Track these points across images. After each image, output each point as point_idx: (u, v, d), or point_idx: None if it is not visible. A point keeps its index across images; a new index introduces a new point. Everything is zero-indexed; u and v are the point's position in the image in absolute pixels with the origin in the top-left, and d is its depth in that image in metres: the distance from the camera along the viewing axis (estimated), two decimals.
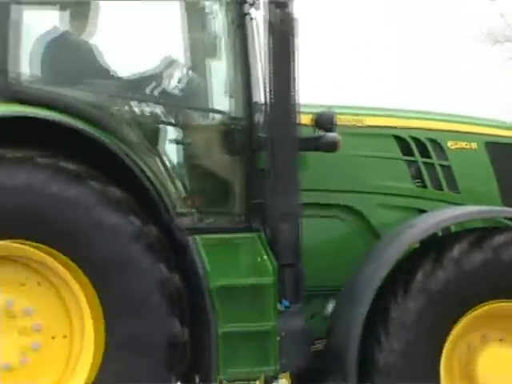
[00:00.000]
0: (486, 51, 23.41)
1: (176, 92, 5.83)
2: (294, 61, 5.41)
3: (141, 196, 5.19)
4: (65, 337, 5.21)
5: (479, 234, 5.45)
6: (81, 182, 5.00)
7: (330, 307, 5.76)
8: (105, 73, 5.66)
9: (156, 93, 5.74)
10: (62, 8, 5.70)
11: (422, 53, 24.76)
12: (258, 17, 5.49)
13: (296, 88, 5.42)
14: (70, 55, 5.64)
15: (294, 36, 5.42)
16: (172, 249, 5.20)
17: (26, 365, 5.09)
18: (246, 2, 5.49)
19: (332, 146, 5.56)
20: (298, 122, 5.47)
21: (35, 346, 5.12)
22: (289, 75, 5.42)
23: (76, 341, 5.20)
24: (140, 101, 5.68)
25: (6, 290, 5.10)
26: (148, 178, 5.25)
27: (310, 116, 5.68)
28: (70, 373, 5.18)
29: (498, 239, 5.40)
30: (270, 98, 5.44)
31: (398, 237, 5.54)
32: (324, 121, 5.70)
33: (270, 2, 5.37)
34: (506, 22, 23.61)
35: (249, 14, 5.51)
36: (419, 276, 5.29)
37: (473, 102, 18.89)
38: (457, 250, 5.34)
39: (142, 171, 5.23)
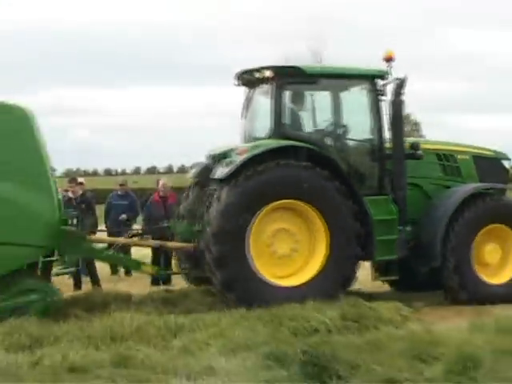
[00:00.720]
0: None
1: (350, 134, 11.98)
2: (402, 120, 11.93)
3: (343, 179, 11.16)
4: (309, 248, 11.09)
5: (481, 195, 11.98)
6: (317, 174, 10.94)
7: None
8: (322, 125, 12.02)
9: (344, 135, 11.94)
10: None
11: None
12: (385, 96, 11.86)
13: (403, 132, 12.00)
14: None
15: (402, 108, 11.89)
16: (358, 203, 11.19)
17: (290, 256, 11.04)
18: (380, 92, 11.74)
19: (419, 157, 12.00)
20: (404, 146, 11.86)
21: (295, 249, 11.06)
22: (401, 126, 11.88)
23: (314, 251, 11.07)
24: (340, 138, 11.89)
25: (292, 222, 11.03)
26: (344, 168, 11.33)
27: (410, 143, 12.12)
28: (306, 266, 11.04)
29: (490, 197, 11.99)
30: (394, 136, 11.79)
31: (455, 193, 11.96)
32: (415, 145, 12.09)
33: (393, 92, 11.70)
34: None
35: (381, 95, 11.76)
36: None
37: None
38: (479, 200, 11.82)
39: (341, 168, 11.26)
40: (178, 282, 12.79)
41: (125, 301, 10.93)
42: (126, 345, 8.17)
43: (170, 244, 11.87)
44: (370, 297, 11.42)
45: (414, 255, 11.70)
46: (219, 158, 11.47)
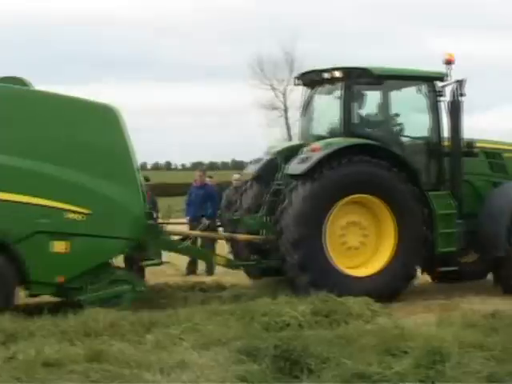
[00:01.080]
0: None
1: (411, 132, 12.85)
2: (460, 120, 12.54)
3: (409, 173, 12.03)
4: (376, 241, 11.94)
5: None
6: (387, 169, 11.79)
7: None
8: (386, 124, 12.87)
9: (406, 133, 12.85)
10: None
11: None
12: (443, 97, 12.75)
13: (461, 130, 12.62)
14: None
15: (461, 109, 12.57)
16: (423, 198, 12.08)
17: (358, 249, 11.92)
18: (439, 93, 12.57)
19: (475, 155, 12.84)
20: (461, 145, 12.61)
21: (364, 241, 11.90)
22: (458, 125, 12.59)
23: (381, 244, 11.92)
24: (402, 137, 12.79)
25: (362, 216, 11.95)
26: (410, 165, 12.12)
27: (466, 142, 12.66)
28: (373, 258, 11.90)
29: None
30: (452, 135, 12.64)
31: (510, 187, 12.76)
32: (470, 144, 12.68)
33: (452, 93, 12.54)
34: None
35: (440, 95, 12.58)
36: None
37: None
38: None
39: (409, 164, 12.11)
40: (152, 278, 12.83)
41: None
42: (100, 340, 8.21)
43: (240, 236, 12.42)
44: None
45: (475, 247, 12.68)
46: (285, 155, 12.51)
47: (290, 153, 12.46)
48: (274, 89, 61.26)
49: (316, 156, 11.58)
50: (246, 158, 56.86)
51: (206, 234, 13.26)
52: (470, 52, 76.51)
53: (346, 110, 12.22)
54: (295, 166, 11.80)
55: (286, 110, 61.65)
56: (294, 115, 61.46)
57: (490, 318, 9.17)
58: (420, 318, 9.89)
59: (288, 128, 61.68)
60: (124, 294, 10.67)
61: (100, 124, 10.83)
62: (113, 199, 10.63)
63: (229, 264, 12.55)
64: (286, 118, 61.79)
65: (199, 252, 13.32)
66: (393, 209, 11.83)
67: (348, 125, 12.23)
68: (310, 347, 7.32)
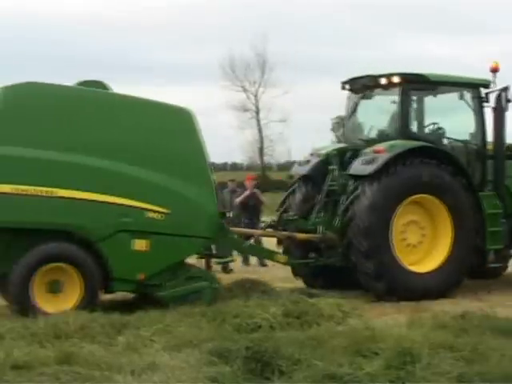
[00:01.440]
0: None
1: (459, 136, 13.59)
2: (504, 125, 13.27)
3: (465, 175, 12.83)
4: (432, 239, 12.70)
5: None
6: (446, 171, 12.56)
7: None
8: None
9: (455, 136, 13.64)
10: None
11: None
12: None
13: (505, 136, 13.39)
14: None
15: (505, 115, 13.20)
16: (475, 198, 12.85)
17: (416, 246, 12.67)
18: (484, 99, 13.29)
19: None
20: (505, 148, 13.43)
21: (421, 239, 12.64)
22: (503, 130, 13.32)
23: (438, 242, 12.65)
24: (452, 139, 13.63)
25: (419, 215, 12.72)
26: (464, 167, 12.93)
27: (508, 146, 13.54)
28: (430, 255, 12.65)
29: None
30: (496, 139, 13.35)
31: None
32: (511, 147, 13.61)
33: (496, 99, 13.19)
34: None
35: (485, 101, 13.27)
36: None
37: None
38: None
39: (463, 166, 12.95)
40: None
41: None
42: (71, 342, 8.17)
43: (299, 235, 12.85)
44: (312, 294, 11.61)
45: None
46: (334, 157, 13.14)
47: (338, 155, 13.16)
48: (245, 90, 61.47)
49: (384, 157, 12.20)
50: (216, 160, 56.89)
51: (266, 232, 13.59)
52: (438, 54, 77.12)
53: (404, 114, 12.92)
54: (360, 167, 12.41)
55: (257, 112, 61.83)
56: (266, 117, 61.77)
57: (459, 319, 9.23)
58: (391, 319, 9.95)
59: (260, 130, 61.92)
60: (202, 290, 11.07)
61: (178, 126, 11.31)
62: (190, 199, 11.10)
63: (289, 262, 12.99)
64: (258, 120, 61.98)
65: (262, 251, 13.69)
66: (450, 209, 12.56)
67: (405, 128, 12.94)
68: (282, 349, 7.33)
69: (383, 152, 12.30)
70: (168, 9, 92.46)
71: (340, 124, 31.10)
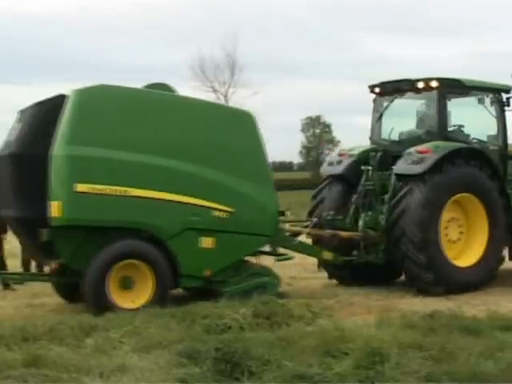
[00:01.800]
0: None
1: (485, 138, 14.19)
2: None
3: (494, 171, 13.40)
4: (469, 235, 13.29)
5: None
6: (485, 171, 13.17)
7: None
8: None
9: (480, 138, 14.11)
10: None
11: None
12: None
13: None
14: None
15: None
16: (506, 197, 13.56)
17: (456, 242, 13.22)
18: (505, 103, 13.96)
19: None
20: None
21: (460, 236, 13.32)
22: None
23: (475, 238, 13.24)
24: (479, 141, 14.09)
25: (458, 213, 13.27)
26: (497, 167, 13.51)
27: None
28: (467, 251, 13.23)
29: None
30: None
31: None
32: None
33: None
34: None
35: (506, 105, 13.90)
36: None
37: None
38: None
39: (498, 167, 13.62)
40: None
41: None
42: (39, 344, 8.10)
43: (342, 233, 13.24)
44: (281, 294, 11.63)
45: None
46: (365, 157, 13.69)
47: (367, 155, 13.71)
48: (215, 91, 61.37)
49: (432, 157, 12.78)
50: None
51: (312, 230, 13.73)
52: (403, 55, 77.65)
53: (441, 117, 13.54)
54: (408, 167, 12.93)
55: None
56: None
57: (428, 319, 9.29)
58: (360, 320, 9.97)
59: None
60: (265, 285, 11.60)
61: (241, 129, 11.85)
62: (254, 198, 11.69)
63: (335, 259, 13.25)
64: None
65: (310, 248, 13.76)
66: (488, 207, 13.24)
67: (443, 130, 13.56)
68: (251, 349, 7.32)
69: (429, 152, 12.87)
70: (142, 11, 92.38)
71: (309, 125, 31.34)
